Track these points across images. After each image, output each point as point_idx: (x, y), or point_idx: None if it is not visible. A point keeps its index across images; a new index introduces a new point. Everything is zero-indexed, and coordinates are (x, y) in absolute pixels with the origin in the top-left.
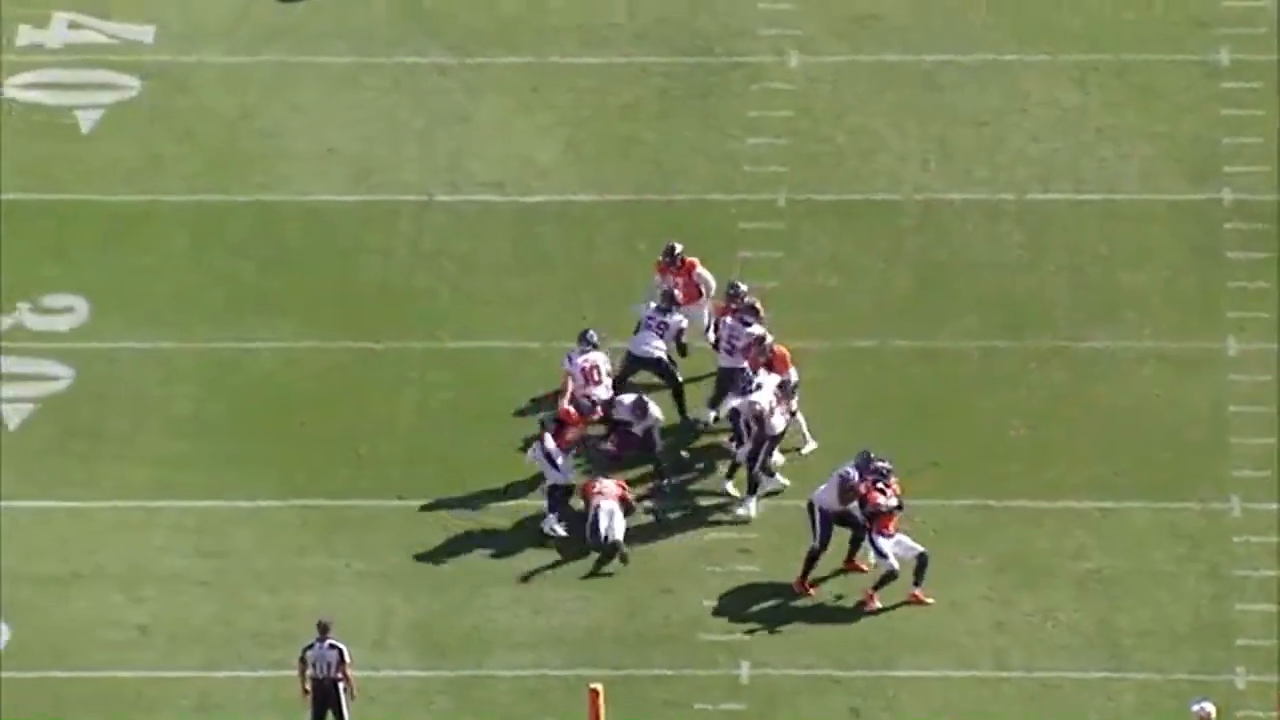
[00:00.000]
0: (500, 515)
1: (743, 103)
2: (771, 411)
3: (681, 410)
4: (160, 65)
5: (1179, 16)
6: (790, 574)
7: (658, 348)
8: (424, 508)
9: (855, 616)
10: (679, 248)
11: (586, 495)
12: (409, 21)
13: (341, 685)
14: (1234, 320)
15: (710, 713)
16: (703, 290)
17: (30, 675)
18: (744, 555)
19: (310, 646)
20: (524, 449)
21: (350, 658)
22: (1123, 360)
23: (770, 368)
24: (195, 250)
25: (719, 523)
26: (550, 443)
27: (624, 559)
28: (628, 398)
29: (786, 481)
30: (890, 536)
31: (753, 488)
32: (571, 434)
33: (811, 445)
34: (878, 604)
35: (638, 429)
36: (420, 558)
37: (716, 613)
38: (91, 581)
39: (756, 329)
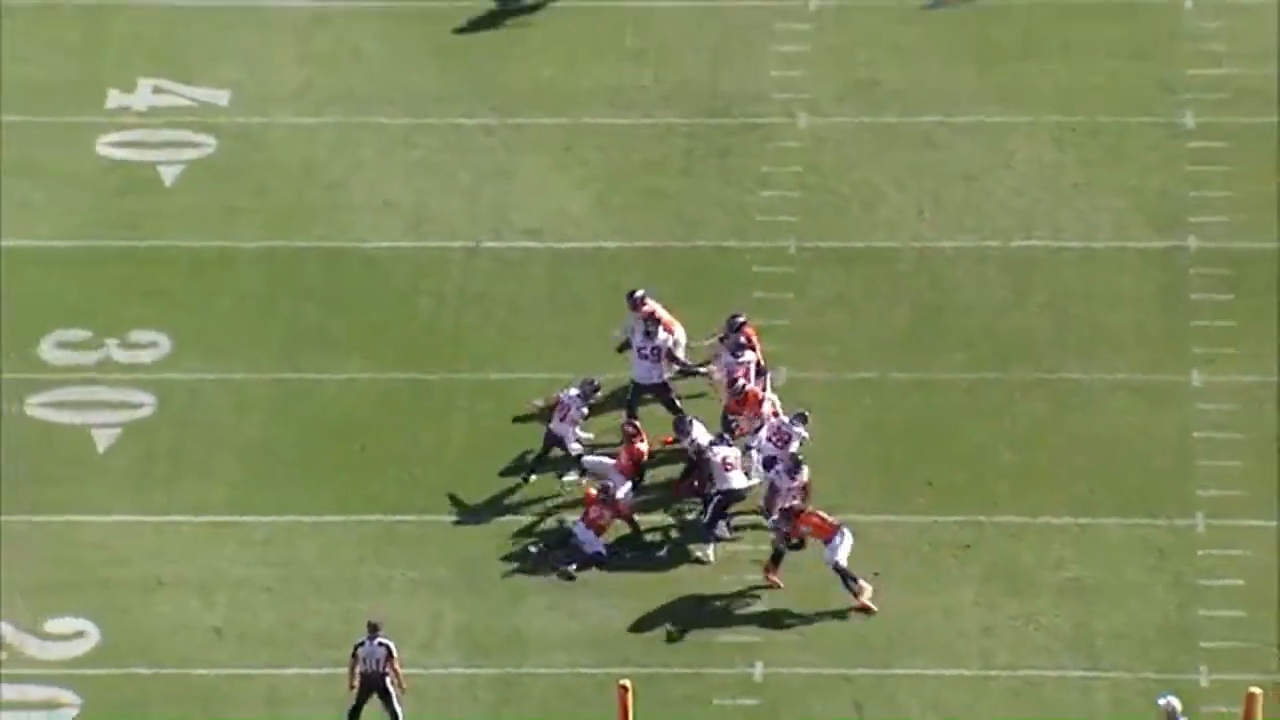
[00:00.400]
0: (538, 530)
1: (757, 159)
2: (726, 464)
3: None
4: (235, 126)
5: (1148, 82)
6: (800, 583)
7: (658, 373)
8: (470, 523)
9: (858, 621)
10: (639, 292)
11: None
12: (457, 86)
13: (389, 679)
14: (1198, 355)
15: (727, 708)
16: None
17: (118, 672)
18: (757, 565)
19: (361, 644)
20: (560, 474)
21: (397, 654)
22: (1098, 391)
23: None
24: (266, 292)
25: (737, 539)
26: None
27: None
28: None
29: (736, 536)
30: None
31: (706, 534)
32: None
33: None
34: (775, 579)
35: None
36: (466, 568)
37: (732, 617)
38: (171, 588)
39: (749, 355)
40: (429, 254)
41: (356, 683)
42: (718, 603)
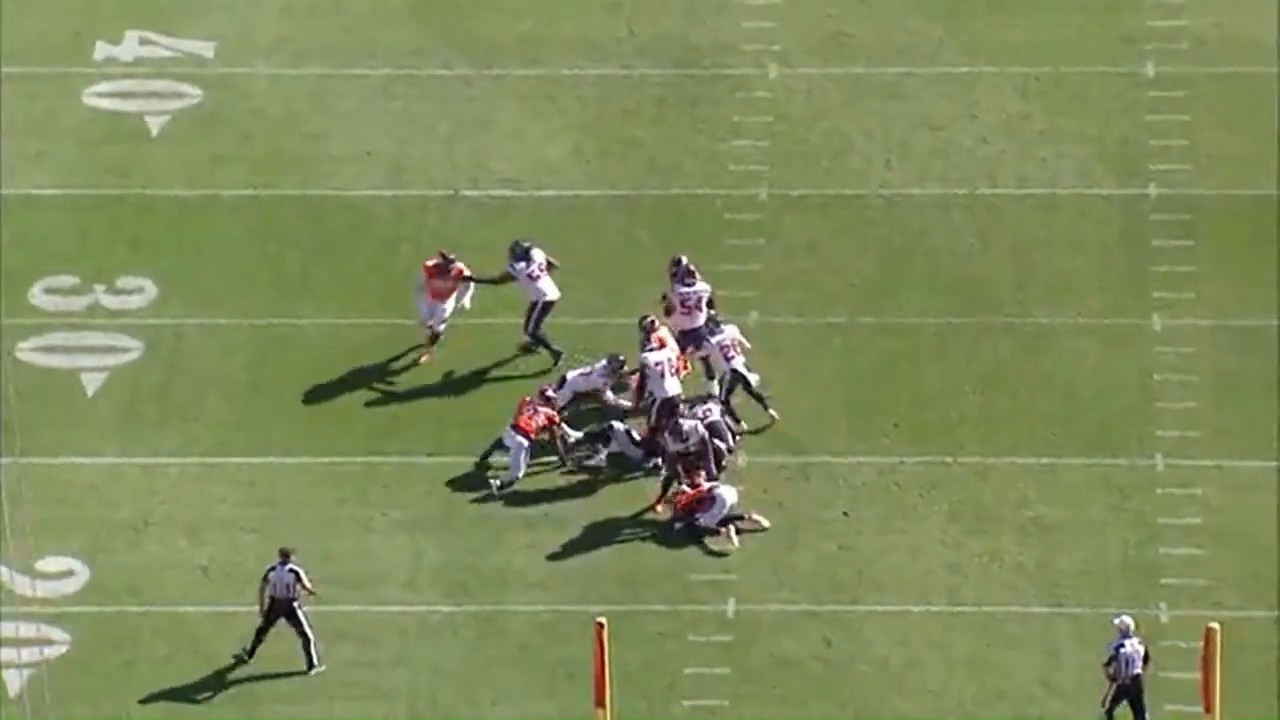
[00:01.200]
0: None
1: (728, 109)
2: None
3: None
4: (219, 77)
5: (1111, 34)
6: (773, 523)
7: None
8: (450, 464)
9: (828, 559)
10: (649, 317)
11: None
12: (436, 38)
13: (297, 604)
14: (1158, 300)
15: (701, 644)
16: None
17: (107, 610)
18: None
19: (273, 568)
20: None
21: (306, 579)
22: (1061, 335)
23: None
24: (250, 239)
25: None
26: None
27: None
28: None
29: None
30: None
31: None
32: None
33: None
34: (660, 510)
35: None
36: (446, 508)
37: (707, 556)
38: (159, 528)
39: (702, 285)
40: (409, 202)
41: (266, 605)
42: (692, 542)
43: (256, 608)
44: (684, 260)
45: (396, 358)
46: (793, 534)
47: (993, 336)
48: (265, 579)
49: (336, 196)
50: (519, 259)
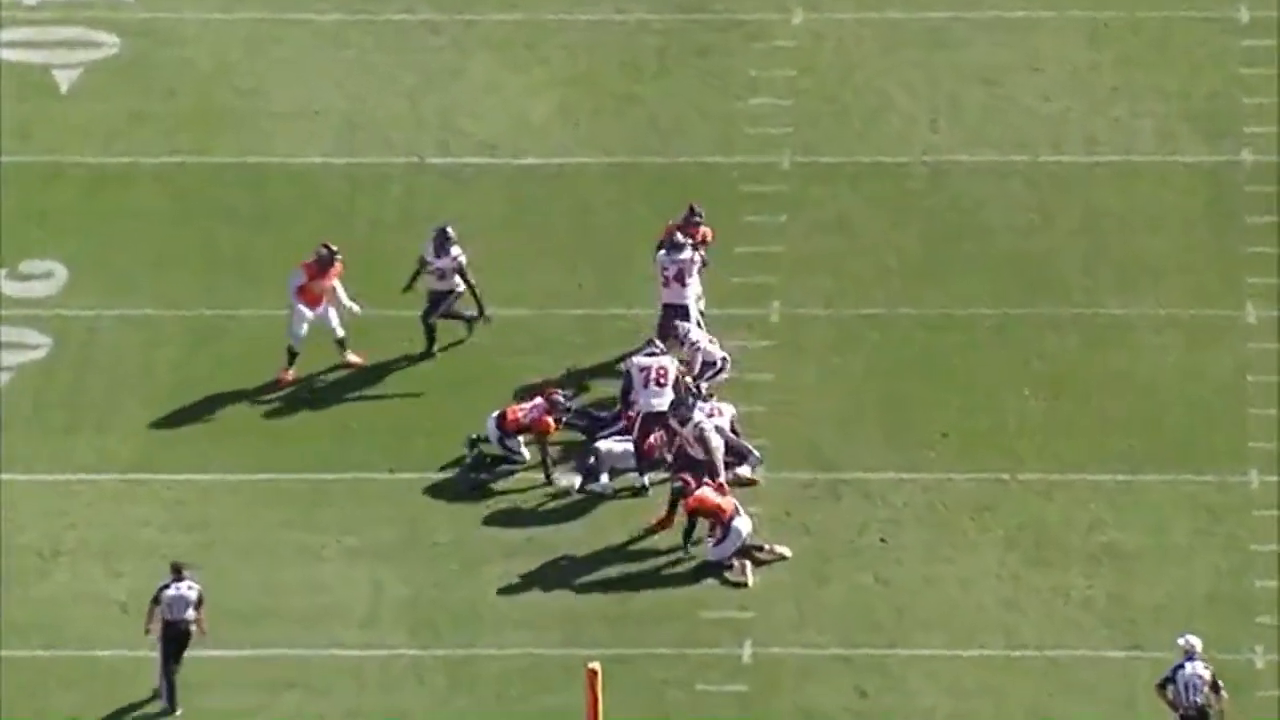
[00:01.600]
0: (494, 488)
1: (744, 61)
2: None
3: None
4: (139, 22)
5: None
6: (797, 551)
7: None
8: (415, 481)
9: (862, 594)
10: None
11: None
12: None
13: (194, 628)
14: (1254, 286)
15: (712, 694)
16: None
17: (12, 654)
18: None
19: (166, 586)
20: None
21: (204, 601)
22: (1138, 328)
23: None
24: (177, 213)
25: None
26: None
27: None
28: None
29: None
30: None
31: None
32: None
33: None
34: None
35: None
36: (410, 533)
37: (717, 590)
38: (70, 556)
39: (688, 251)
40: (365, 171)
41: (157, 629)
42: (700, 573)
43: (147, 635)
44: (695, 209)
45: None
46: (820, 564)
47: (1058, 329)
48: (156, 600)
49: (279, 165)
50: (444, 247)
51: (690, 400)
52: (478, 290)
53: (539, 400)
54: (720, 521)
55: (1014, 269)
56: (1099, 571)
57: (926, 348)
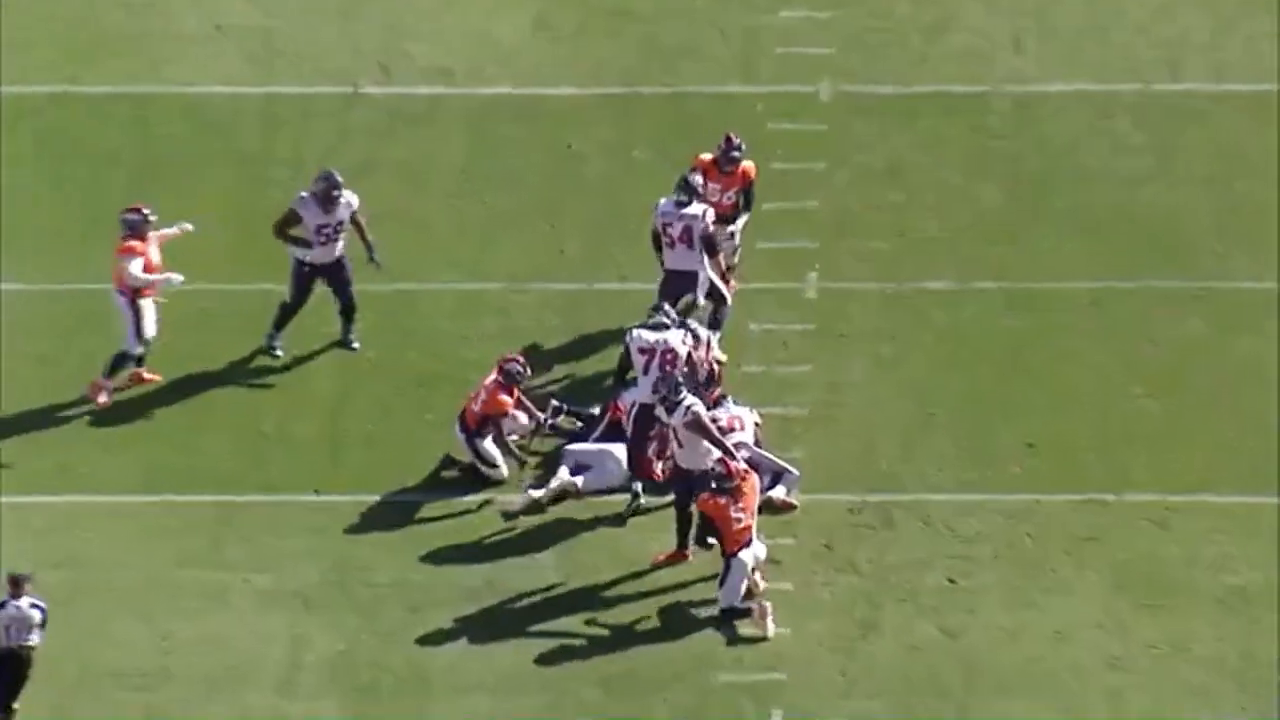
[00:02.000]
0: (448, 514)
1: None
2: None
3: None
4: None
5: None
6: (842, 595)
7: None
8: (346, 505)
9: (924, 650)
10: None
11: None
12: None
13: (31, 656)
14: None
15: None
16: None
17: None
18: (774, 567)
19: (2, 605)
20: None
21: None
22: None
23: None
24: (47, 158)
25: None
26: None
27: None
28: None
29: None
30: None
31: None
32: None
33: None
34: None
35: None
36: (340, 571)
37: (738, 644)
38: None
39: (697, 207)
40: (285, 103)
41: None
42: (717, 621)
43: None
44: (733, 141)
45: (270, 345)
46: (870, 611)
47: (1176, 308)
48: None
49: (175, 95)
50: (332, 200)
51: (674, 383)
52: (371, 240)
53: (491, 382)
54: (723, 543)
55: (1119, 230)
56: (1228, 620)
57: (1007, 332)
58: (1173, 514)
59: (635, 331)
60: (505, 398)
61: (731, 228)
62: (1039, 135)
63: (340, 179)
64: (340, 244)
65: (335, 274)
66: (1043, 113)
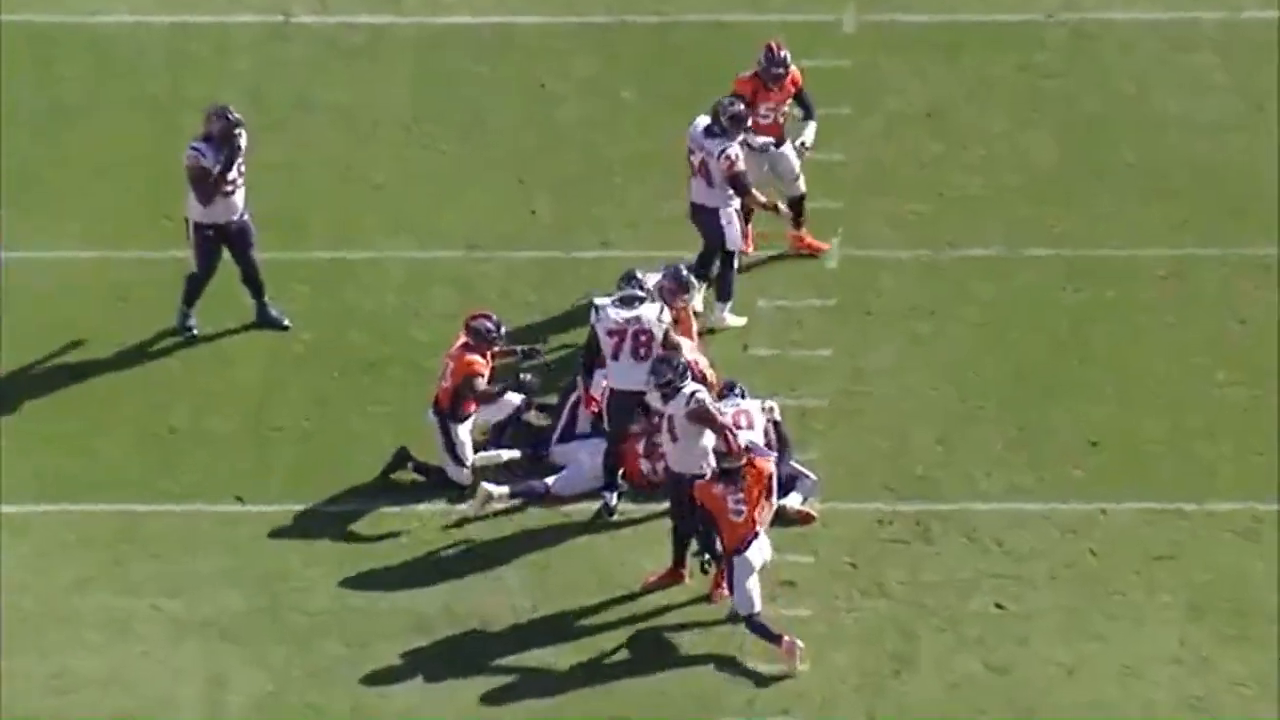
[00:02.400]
0: (397, 527)
1: None
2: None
3: None
4: None
5: None
6: (871, 623)
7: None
8: (275, 516)
9: (969, 685)
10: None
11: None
12: None
13: None
14: None
15: None
16: None
17: None
18: (788, 590)
19: None
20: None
21: None
22: None
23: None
24: None
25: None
26: None
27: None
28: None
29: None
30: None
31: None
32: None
33: None
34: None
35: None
36: (269, 595)
37: (748, 681)
38: None
39: (722, 144)
40: (202, 34)
41: None
42: (721, 655)
43: None
44: (775, 51)
45: (183, 325)
46: (904, 642)
47: (1267, 280)
48: None
49: (79, 26)
50: (233, 130)
51: (678, 365)
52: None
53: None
54: (723, 541)
55: (1200, 187)
56: None
57: (1066, 309)
58: (1263, 526)
59: (603, 309)
60: (474, 359)
61: (801, 140)
62: (1099, 73)
63: (237, 114)
64: (241, 196)
65: (240, 235)
66: (1103, 46)
